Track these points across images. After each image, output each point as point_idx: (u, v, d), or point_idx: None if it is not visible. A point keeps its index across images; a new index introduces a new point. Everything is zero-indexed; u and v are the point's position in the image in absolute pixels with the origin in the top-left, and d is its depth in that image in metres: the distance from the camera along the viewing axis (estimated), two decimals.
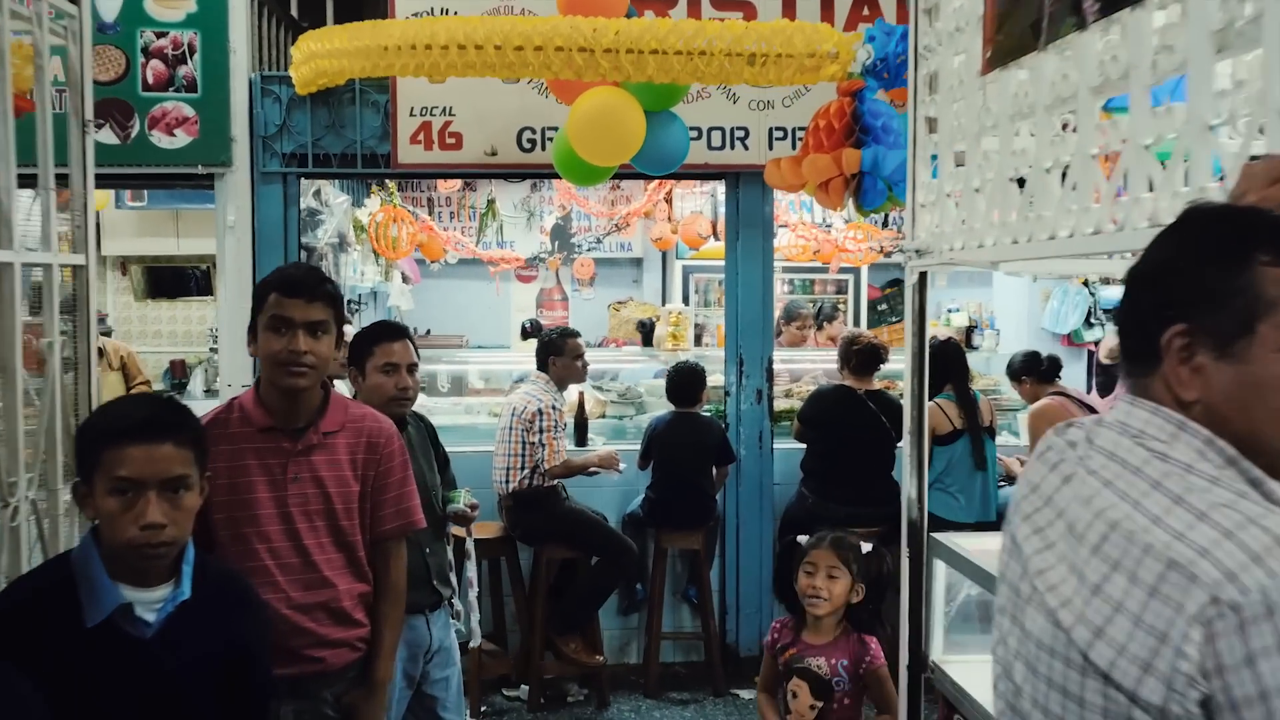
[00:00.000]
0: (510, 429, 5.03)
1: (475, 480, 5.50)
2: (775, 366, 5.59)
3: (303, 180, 5.43)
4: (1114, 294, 7.51)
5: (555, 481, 5.04)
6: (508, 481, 5.01)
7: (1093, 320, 7.36)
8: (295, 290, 2.51)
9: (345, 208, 5.97)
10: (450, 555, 3.66)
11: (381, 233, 5.80)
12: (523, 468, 4.99)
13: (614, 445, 5.68)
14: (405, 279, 8.66)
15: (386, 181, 6.00)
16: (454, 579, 3.64)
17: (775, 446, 5.55)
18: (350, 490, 2.62)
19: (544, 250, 7.10)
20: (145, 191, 8.31)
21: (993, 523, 5.20)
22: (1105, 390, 6.95)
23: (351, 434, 2.66)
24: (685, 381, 5.27)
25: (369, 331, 3.47)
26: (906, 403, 2.97)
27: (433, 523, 3.52)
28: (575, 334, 5.21)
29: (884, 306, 10.03)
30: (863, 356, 5.27)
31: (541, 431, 4.92)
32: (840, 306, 9.35)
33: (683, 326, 6.08)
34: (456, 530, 3.84)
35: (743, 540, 5.54)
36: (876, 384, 5.37)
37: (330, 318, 2.56)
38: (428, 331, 8.88)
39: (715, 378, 5.64)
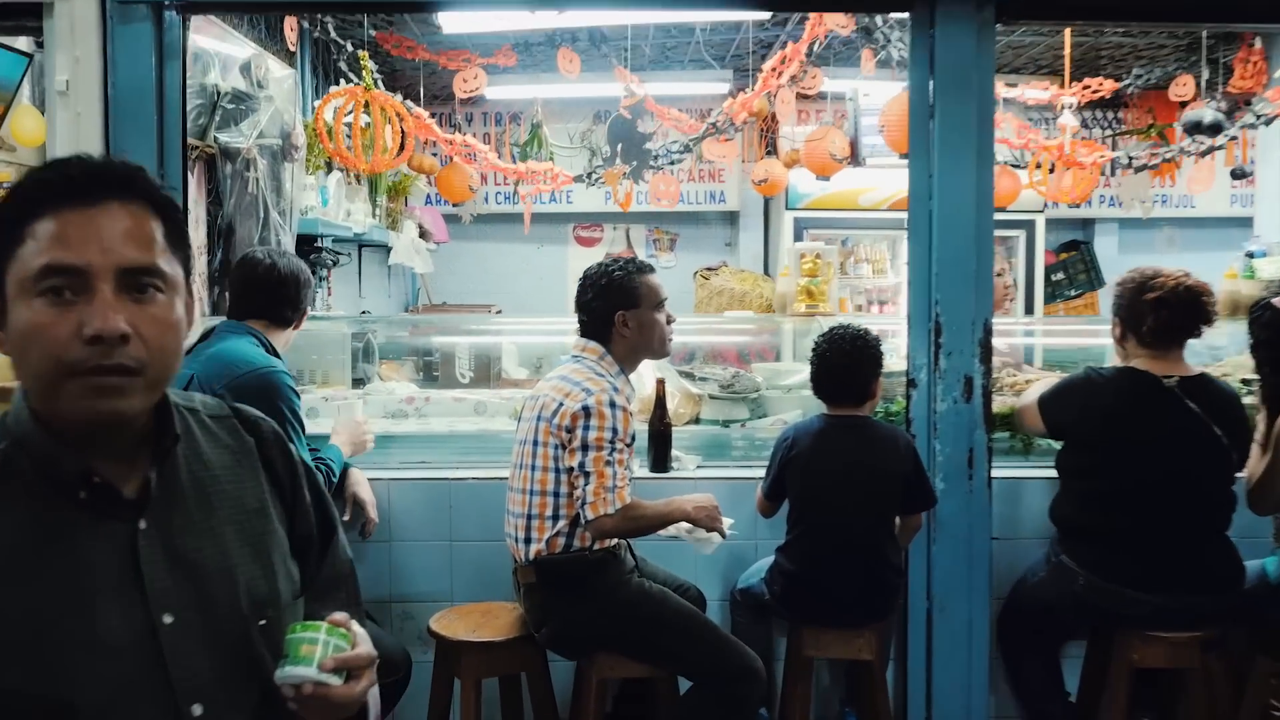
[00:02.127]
0: (535, 444, 2.77)
1: (482, 530, 3.27)
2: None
3: (192, 21, 3.24)
4: None
5: (613, 542, 2.78)
6: (528, 539, 2.76)
7: None
8: None
9: (289, 87, 3.79)
10: None
11: (341, 129, 3.60)
12: (554, 515, 2.73)
13: (712, 474, 3.40)
14: (424, 234, 6.48)
15: (359, 54, 3.82)
16: None
17: (994, 474, 3.21)
18: None
19: (601, 157, 4.82)
20: None
21: None
22: None
23: None
24: (846, 361, 2.96)
25: (26, 185, 1.24)
26: None
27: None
28: (650, 269, 2.94)
29: (1060, 276, 7.60)
30: (1168, 314, 2.91)
31: (587, 449, 2.65)
32: (1000, 275, 6.95)
33: (822, 276, 3.77)
34: None
35: (939, 637, 3.20)
36: (1192, 366, 3.00)
37: None
38: (443, 304, 6.71)
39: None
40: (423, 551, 3.32)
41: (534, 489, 2.74)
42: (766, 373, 3.79)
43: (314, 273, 4.79)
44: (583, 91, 6.35)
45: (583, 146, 6.70)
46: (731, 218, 7.78)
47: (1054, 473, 3.18)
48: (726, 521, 2.84)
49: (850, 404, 2.97)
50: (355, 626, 1.33)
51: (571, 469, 2.67)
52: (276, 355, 2.92)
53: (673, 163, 4.73)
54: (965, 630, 3.19)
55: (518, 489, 2.80)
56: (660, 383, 3.35)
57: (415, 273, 6.80)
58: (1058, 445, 3.23)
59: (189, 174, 3.67)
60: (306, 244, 4.54)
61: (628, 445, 2.71)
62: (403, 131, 3.80)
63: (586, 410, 2.67)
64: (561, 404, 2.72)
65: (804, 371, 3.67)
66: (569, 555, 2.72)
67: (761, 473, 3.12)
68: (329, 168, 5.12)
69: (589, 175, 4.85)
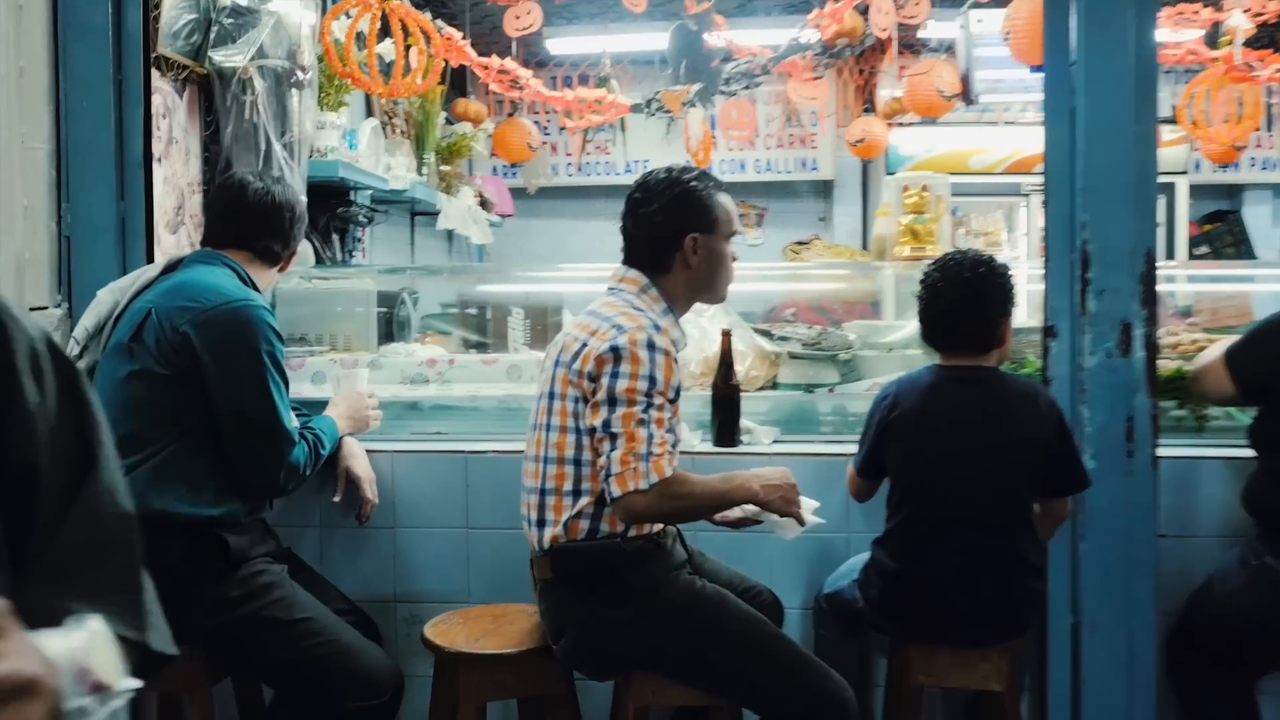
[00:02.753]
0: (551, 397, 2.13)
1: (506, 515, 2.65)
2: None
3: None
4: None
5: (656, 528, 2.12)
6: (542, 521, 2.11)
7: None
8: None
9: (297, 2, 3.23)
10: None
11: (351, 48, 3.02)
12: (575, 490, 2.08)
13: (791, 449, 2.72)
14: (485, 204, 5.92)
15: None
16: None
17: (1161, 452, 2.45)
18: None
19: (662, 80, 4.10)
20: None
21: None
22: None
23: None
24: (966, 293, 2.25)
25: None
26: None
27: None
28: (725, 187, 2.28)
29: (1204, 249, 6.68)
30: None
31: (615, 402, 1.99)
32: None
33: (930, 213, 3.05)
34: None
35: (1089, 662, 2.45)
36: None
37: None
38: None
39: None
40: (434, 540, 2.71)
41: (549, 455, 2.10)
42: (861, 330, 3.09)
43: (345, 230, 4.24)
44: (656, 43, 5.71)
45: (657, 109, 6.06)
46: (825, 188, 7.05)
47: (1244, 451, 2.43)
48: (808, 504, 2.16)
49: (971, 352, 2.26)
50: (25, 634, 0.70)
51: (594, 429, 2.02)
52: (257, 291, 2.35)
53: (749, 86, 4.03)
54: (1124, 654, 2.44)
55: (531, 456, 2.16)
56: (726, 335, 2.69)
57: (479, 245, 6.23)
58: (1246, 418, 2.48)
59: (178, 98, 3.15)
60: (335, 195, 3.99)
61: (670, 401, 2.04)
62: (431, 55, 3.22)
63: (615, 352, 2.01)
64: (585, 344, 2.07)
65: (908, 327, 2.97)
66: (594, 543, 2.07)
67: (854, 449, 2.43)
68: (368, 109, 4.58)
69: (648, 104, 4.19)
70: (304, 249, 3.21)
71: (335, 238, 4.08)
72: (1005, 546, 2.16)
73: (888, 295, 3.30)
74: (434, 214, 5.25)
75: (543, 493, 2.10)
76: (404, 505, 2.70)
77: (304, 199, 3.39)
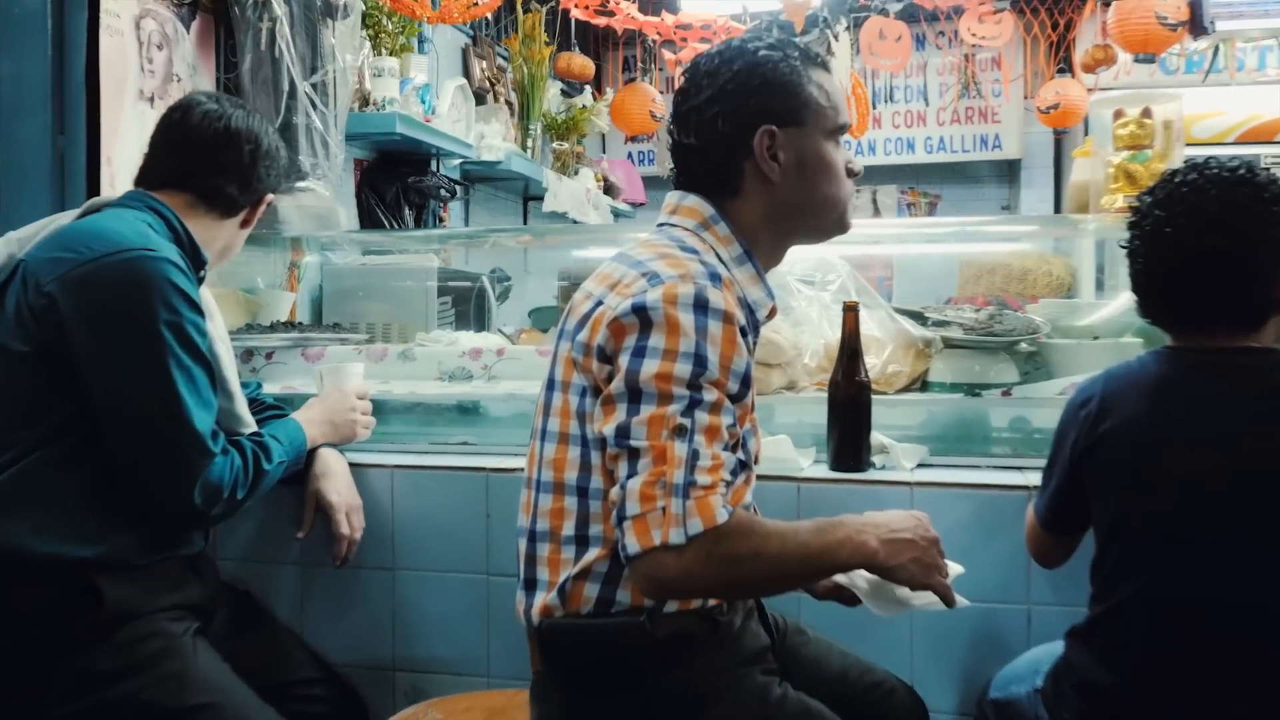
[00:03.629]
0: (550, 389, 1.39)
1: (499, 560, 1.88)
2: None
3: None
4: None
5: (708, 603, 1.34)
6: (532, 580, 1.36)
7: None
8: None
9: None
10: None
11: None
12: (579, 536, 1.32)
13: (944, 477, 1.89)
14: (610, 189, 5.25)
15: None
16: None
17: None
18: None
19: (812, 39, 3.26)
20: None
21: None
22: None
23: None
24: (1218, 243, 1.37)
25: None
26: None
27: None
28: (824, 62, 1.47)
29: None
30: None
31: (639, 396, 1.22)
32: None
33: (1156, 147, 2.15)
34: None
35: None
36: None
37: None
38: None
39: None
40: (445, 589, 2.01)
41: (542, 480, 1.36)
42: (1051, 311, 2.22)
43: (423, 205, 3.62)
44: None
45: None
46: (1010, 170, 6.02)
47: None
48: (952, 570, 1.34)
49: (1225, 328, 1.38)
50: None
51: (604, 440, 1.26)
52: (186, 247, 1.71)
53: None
54: None
55: (524, 480, 1.42)
56: (851, 312, 1.88)
57: (554, 213, 5.45)
58: None
59: (183, 27, 2.60)
60: (408, 163, 3.37)
61: (733, 397, 1.26)
62: None
63: (641, 313, 1.25)
64: (600, 302, 1.32)
65: (1119, 301, 2.10)
66: (607, 621, 1.30)
67: (1039, 481, 1.59)
68: (465, 69, 3.97)
69: (768, 29, 3.42)
70: (330, 209, 2.60)
71: (409, 213, 3.47)
72: None
73: (1089, 262, 2.42)
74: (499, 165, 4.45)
75: (532, 538, 1.36)
76: (406, 539, 2.01)
77: (340, 156, 2.79)
